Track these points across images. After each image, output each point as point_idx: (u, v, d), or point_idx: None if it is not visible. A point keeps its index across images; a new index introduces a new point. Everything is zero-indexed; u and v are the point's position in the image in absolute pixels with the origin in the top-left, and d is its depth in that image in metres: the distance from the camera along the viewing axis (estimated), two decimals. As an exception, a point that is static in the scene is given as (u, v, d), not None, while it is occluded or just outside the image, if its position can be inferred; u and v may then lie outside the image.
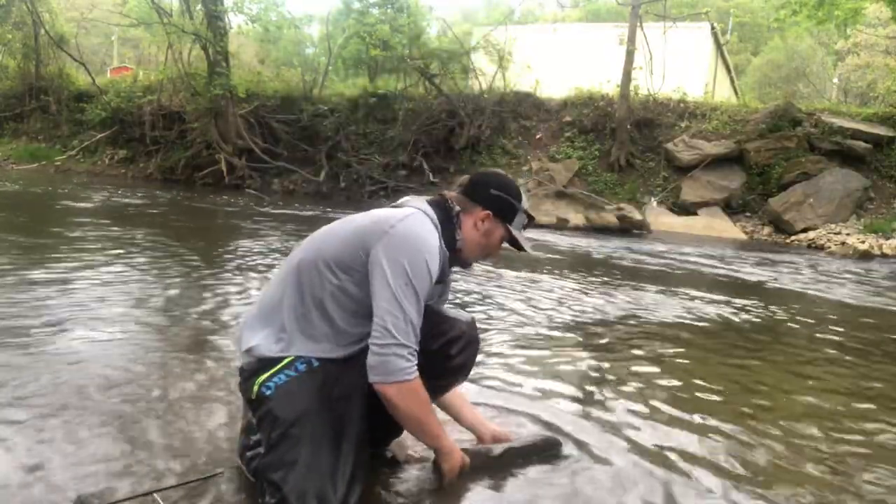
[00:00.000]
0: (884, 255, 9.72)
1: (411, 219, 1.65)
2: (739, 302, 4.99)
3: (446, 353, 1.68)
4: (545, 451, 1.98)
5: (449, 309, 1.86)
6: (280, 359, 1.59)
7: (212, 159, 14.36)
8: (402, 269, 1.56)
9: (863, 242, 10.17)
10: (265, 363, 1.59)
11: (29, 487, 1.60)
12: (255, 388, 1.56)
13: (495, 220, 1.81)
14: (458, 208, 1.79)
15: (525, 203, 1.85)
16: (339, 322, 1.63)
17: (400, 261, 1.56)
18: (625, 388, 2.71)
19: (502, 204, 1.81)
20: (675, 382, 2.85)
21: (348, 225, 1.72)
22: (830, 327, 4.38)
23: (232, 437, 1.94)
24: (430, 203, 1.78)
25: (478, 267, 5.45)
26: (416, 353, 1.56)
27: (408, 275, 1.56)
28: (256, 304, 1.76)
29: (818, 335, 4.15)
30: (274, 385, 1.55)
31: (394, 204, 1.83)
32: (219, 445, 1.91)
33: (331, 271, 1.63)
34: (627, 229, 11.17)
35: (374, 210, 1.77)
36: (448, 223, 1.76)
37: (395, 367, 1.53)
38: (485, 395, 2.48)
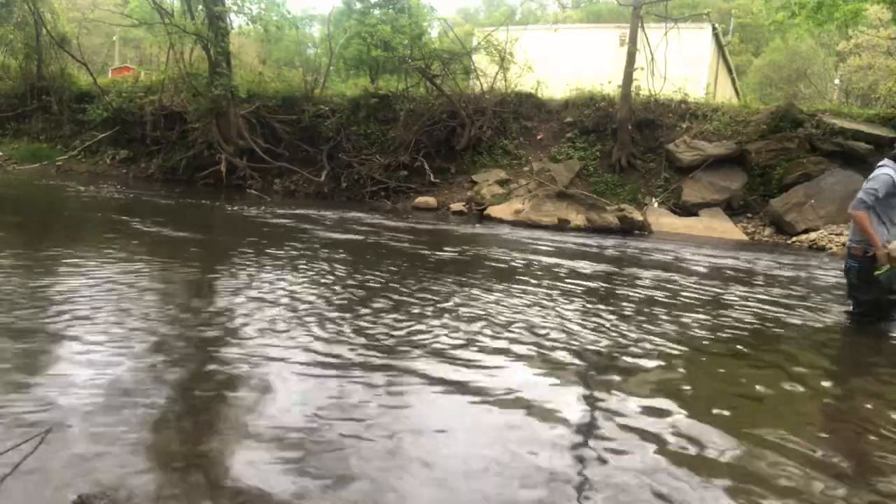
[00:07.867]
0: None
1: None
2: (740, 307, 4.98)
3: None
4: None
5: None
6: None
7: (213, 159, 14.36)
8: None
9: (864, 243, 10.14)
10: None
11: (29, 486, 1.60)
12: None
13: None
14: None
15: None
16: None
17: None
18: (627, 402, 2.71)
19: None
20: (671, 399, 2.84)
21: None
22: (839, 336, 4.37)
23: (243, 446, 1.94)
24: None
25: (478, 274, 5.44)
26: None
27: None
28: None
29: (828, 346, 4.14)
30: None
31: None
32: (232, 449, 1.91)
33: None
34: (628, 230, 11.16)
35: None
36: None
37: None
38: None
